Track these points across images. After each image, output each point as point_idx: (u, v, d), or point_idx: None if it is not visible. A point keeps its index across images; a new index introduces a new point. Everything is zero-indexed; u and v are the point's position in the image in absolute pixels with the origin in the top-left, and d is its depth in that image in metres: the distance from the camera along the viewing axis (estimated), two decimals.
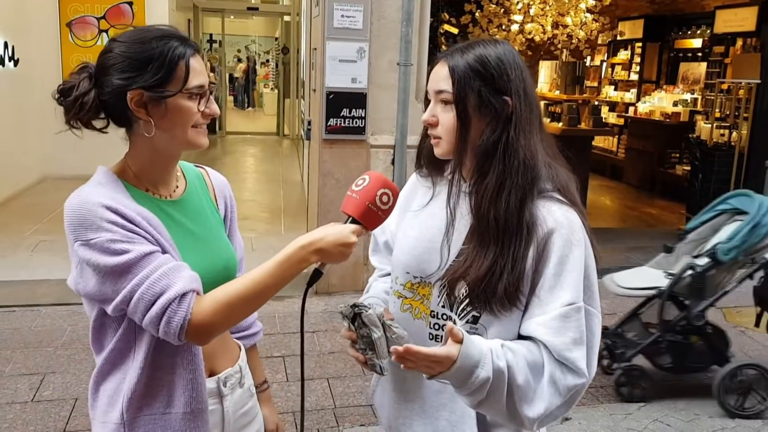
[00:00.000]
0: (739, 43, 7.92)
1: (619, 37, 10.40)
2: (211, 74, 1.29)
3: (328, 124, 4.45)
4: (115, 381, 1.26)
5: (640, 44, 9.95)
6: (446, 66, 1.25)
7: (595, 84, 11.04)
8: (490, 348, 1.16)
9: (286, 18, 13.29)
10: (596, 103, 9.43)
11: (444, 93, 1.25)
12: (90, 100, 1.20)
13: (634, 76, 10.16)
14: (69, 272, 1.23)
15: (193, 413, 1.29)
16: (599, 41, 10.89)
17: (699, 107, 8.62)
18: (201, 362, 1.30)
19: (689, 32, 9.29)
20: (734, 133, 6.99)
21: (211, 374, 1.37)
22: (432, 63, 1.31)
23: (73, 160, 5.53)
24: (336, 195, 4.50)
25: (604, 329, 3.46)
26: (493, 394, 1.16)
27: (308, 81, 5.86)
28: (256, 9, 14.43)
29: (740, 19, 7.80)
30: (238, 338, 1.54)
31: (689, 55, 9.31)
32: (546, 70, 10.01)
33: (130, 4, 7.76)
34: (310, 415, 3.12)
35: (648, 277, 3.43)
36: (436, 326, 1.31)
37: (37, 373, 3.39)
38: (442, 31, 7.67)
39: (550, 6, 8.34)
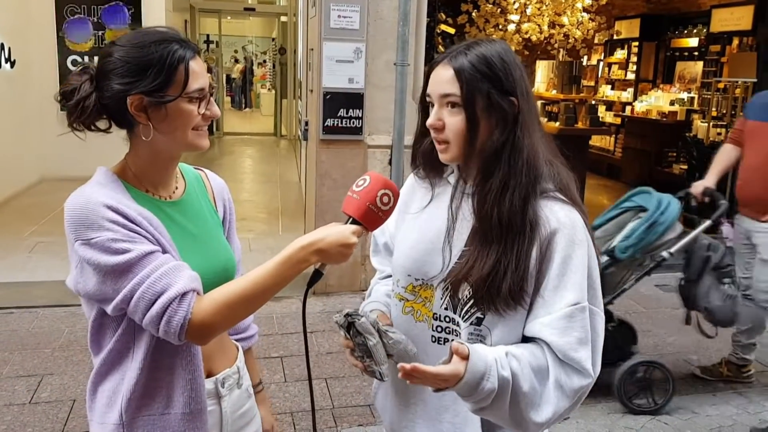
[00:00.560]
0: (736, 42, 7.94)
1: (615, 37, 10.42)
2: (210, 75, 1.29)
3: (325, 124, 4.45)
4: (114, 382, 1.27)
5: (636, 43, 9.97)
6: (450, 68, 1.23)
7: (592, 83, 11.06)
8: (495, 358, 1.16)
9: (283, 18, 13.27)
10: (593, 102, 9.45)
11: (451, 96, 1.23)
12: (91, 103, 1.21)
13: (631, 76, 10.17)
14: (67, 274, 1.23)
15: (192, 414, 1.29)
16: (596, 41, 10.94)
17: (696, 106, 8.63)
18: (200, 363, 1.30)
19: (685, 31, 9.31)
20: (730, 132, 7.02)
21: (209, 375, 1.37)
22: (430, 64, 1.30)
23: (71, 161, 5.52)
24: (333, 195, 4.51)
25: None
26: (497, 401, 1.16)
27: (305, 81, 5.86)
28: (253, 9, 14.44)
29: (736, 18, 7.82)
30: (234, 340, 1.54)
31: (685, 54, 9.33)
32: (543, 70, 10.02)
33: (127, 5, 7.75)
34: (308, 415, 3.12)
35: None
36: (439, 329, 1.31)
37: (34, 375, 3.39)
38: (438, 31, 7.68)
39: (546, 5, 8.35)
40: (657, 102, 9.25)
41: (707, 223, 3.27)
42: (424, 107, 1.31)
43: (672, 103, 8.91)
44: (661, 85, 9.60)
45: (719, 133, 7.21)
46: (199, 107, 1.23)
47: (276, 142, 13.07)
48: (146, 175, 1.28)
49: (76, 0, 7.69)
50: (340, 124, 4.46)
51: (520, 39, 8.49)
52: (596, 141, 9.88)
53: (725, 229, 3.53)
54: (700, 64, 8.77)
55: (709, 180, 3.46)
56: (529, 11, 8.36)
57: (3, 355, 3.59)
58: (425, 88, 1.29)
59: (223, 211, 1.46)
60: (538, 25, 8.42)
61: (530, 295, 1.22)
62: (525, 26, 8.38)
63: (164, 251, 1.21)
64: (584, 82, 10.34)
